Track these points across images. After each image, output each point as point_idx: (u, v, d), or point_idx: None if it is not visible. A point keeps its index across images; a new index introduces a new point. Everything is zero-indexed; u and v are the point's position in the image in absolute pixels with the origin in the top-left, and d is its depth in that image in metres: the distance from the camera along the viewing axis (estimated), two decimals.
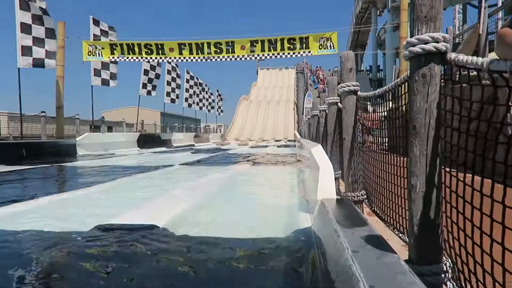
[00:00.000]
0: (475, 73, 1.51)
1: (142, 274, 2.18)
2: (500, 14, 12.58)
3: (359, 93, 3.70)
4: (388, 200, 2.59)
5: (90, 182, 6.16)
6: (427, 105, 1.68)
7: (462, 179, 1.54)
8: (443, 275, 1.64)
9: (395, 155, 2.59)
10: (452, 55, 1.64)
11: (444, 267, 1.65)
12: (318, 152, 3.52)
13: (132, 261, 2.37)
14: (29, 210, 3.91)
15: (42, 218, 3.59)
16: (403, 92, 2.87)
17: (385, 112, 3.36)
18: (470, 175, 1.44)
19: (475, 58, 1.47)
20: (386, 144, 3.30)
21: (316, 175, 3.05)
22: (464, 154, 1.52)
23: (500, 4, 12.67)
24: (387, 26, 23.87)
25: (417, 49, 1.66)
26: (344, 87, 3.72)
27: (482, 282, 1.29)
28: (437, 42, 1.64)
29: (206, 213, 3.85)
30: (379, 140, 3.42)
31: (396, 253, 1.39)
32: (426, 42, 1.64)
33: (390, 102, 3.57)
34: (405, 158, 2.06)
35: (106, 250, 2.57)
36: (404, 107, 2.72)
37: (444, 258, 1.69)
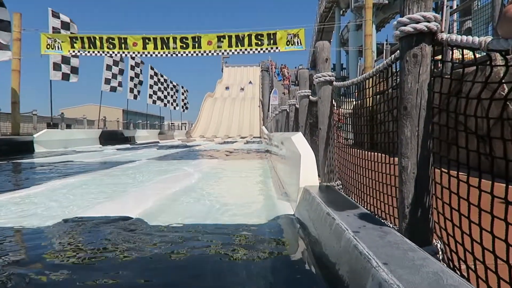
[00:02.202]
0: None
1: (108, 263, 2.04)
2: (455, 16, 13.13)
3: (334, 83, 3.69)
4: (368, 188, 2.58)
5: (52, 178, 5.83)
6: (418, 86, 1.66)
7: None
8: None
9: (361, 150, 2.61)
10: (443, 35, 1.62)
11: (436, 248, 1.64)
12: (298, 140, 3.47)
13: (101, 252, 2.23)
14: None
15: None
16: (368, 86, 2.91)
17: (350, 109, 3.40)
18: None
19: (470, 37, 1.45)
20: (352, 140, 3.34)
21: (297, 163, 3.01)
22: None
23: (455, 6, 13.27)
24: (351, 24, 24.36)
25: (408, 28, 1.64)
26: (320, 77, 3.70)
27: (482, 261, 1.27)
28: (428, 21, 1.62)
29: (182, 204, 3.74)
30: (346, 135, 3.46)
31: (399, 233, 1.36)
32: (417, 22, 1.62)
33: (354, 101, 3.62)
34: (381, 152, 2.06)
35: (73, 242, 2.41)
36: (370, 101, 2.75)
37: (434, 240, 1.69)
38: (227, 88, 44.55)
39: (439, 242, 1.67)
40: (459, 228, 1.49)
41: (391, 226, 2.07)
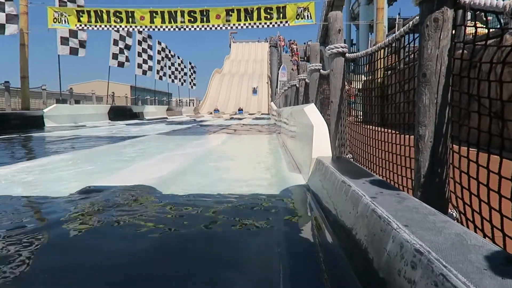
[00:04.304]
0: None
1: (125, 232, 2.08)
2: None
3: (347, 54, 3.62)
4: (381, 160, 2.56)
5: (67, 150, 5.91)
6: (439, 51, 1.61)
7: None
8: None
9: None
10: None
11: (452, 217, 1.63)
12: (311, 111, 3.44)
13: (119, 220, 2.26)
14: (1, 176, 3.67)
15: (19, 183, 3.38)
16: (380, 57, 2.83)
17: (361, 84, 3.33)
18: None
19: (494, 0, 1.40)
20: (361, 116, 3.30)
21: (310, 134, 2.98)
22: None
23: None
24: None
25: None
26: (333, 48, 3.62)
27: (501, 229, 1.26)
28: None
29: (193, 175, 3.79)
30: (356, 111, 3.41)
31: (416, 198, 1.35)
32: None
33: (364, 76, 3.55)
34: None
35: (92, 210, 2.46)
36: (380, 76, 2.69)
37: (450, 210, 1.67)
38: (215, 110, 33.25)
39: (455, 211, 1.65)
40: (477, 197, 1.47)
41: None
